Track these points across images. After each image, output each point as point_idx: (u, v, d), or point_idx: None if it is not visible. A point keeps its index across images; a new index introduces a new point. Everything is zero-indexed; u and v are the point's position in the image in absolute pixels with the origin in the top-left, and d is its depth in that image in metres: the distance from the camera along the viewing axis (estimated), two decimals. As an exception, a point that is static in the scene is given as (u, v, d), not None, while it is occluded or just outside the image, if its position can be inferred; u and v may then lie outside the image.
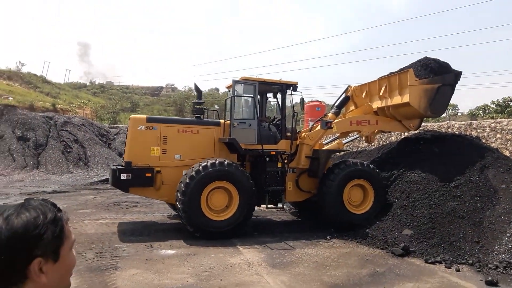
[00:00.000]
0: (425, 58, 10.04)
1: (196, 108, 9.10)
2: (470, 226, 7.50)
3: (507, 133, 10.15)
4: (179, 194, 7.71)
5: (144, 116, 8.74)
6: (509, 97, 27.27)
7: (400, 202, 8.69)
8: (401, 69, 10.12)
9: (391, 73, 10.25)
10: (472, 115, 30.70)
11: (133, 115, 8.95)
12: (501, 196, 8.02)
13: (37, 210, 1.09)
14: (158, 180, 8.19)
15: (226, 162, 7.99)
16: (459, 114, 41.50)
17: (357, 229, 8.56)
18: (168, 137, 8.44)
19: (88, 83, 68.25)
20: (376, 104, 10.46)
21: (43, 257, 1.06)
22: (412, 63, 10.11)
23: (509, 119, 10.62)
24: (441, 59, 10.07)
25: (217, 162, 7.91)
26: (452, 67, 10.06)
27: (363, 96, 10.72)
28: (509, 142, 10.02)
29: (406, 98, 9.47)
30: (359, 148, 15.03)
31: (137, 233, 8.15)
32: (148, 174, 8.03)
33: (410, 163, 9.64)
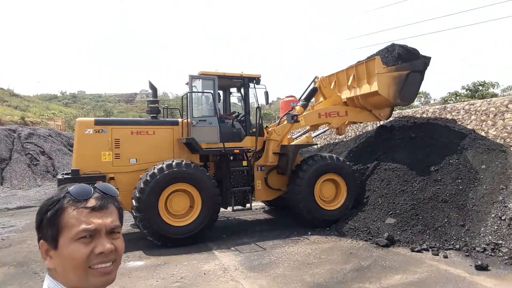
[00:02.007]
0: (392, 45, 9.71)
1: (151, 107, 8.39)
2: (454, 210, 7.40)
3: (481, 114, 9.95)
4: (134, 201, 7.06)
5: (92, 118, 8.03)
6: (478, 81, 27.69)
7: (380, 190, 8.48)
8: (368, 57, 9.74)
9: (359, 61, 9.87)
10: (445, 102, 30.92)
11: (79, 118, 8.20)
12: (481, 176, 7.93)
13: (53, 193, 1.10)
14: None
15: (184, 163, 7.37)
16: (431, 101, 41.82)
17: (338, 222, 8.31)
18: (120, 140, 7.72)
19: (59, 94, 66.28)
20: (345, 94, 10.09)
21: (45, 241, 1.06)
22: (379, 51, 9.78)
23: (482, 100, 10.42)
24: (409, 45, 9.75)
25: (174, 163, 7.29)
26: (420, 53, 9.75)
27: (331, 86, 10.30)
28: (484, 123, 9.82)
29: (374, 87, 9.13)
30: (336, 140, 14.63)
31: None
32: (99, 182, 7.29)
33: (387, 150, 9.49)
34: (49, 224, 1.04)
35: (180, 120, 8.37)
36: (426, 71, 9.85)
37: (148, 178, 7.01)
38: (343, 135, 12.00)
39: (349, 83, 9.85)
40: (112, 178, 7.50)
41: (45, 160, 19.11)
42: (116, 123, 7.98)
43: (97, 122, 7.69)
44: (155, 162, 7.50)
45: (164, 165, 7.18)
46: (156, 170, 7.09)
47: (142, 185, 6.98)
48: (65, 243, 1.02)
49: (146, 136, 7.92)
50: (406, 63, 9.30)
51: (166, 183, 7.16)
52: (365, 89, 9.41)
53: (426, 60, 9.70)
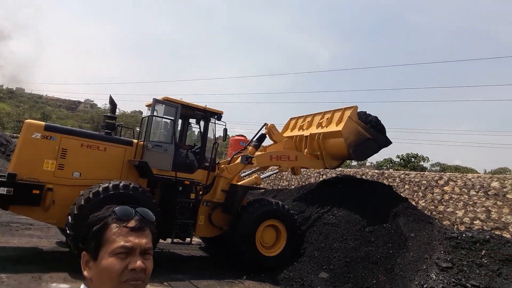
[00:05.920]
0: (369, 113, 10.53)
1: (107, 122, 8.11)
2: (382, 272, 7.72)
3: (414, 184, 10.84)
4: (70, 218, 6.58)
5: (43, 122, 7.52)
6: (411, 153, 30.32)
7: (317, 243, 8.66)
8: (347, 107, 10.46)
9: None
10: (379, 166, 33.20)
11: (28, 120, 7.65)
12: (410, 244, 8.44)
13: (100, 211, 1.23)
14: (48, 199, 6.95)
15: (131, 186, 7.07)
16: (367, 164, 44.60)
17: (274, 269, 8.29)
18: (68, 150, 7.30)
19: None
20: (311, 130, 10.61)
21: (87, 252, 1.16)
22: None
23: (416, 172, 11.42)
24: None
25: (121, 184, 6.98)
26: (386, 133, 10.66)
27: (298, 126, 10.96)
28: (415, 193, 10.70)
29: (339, 127, 9.74)
30: (279, 187, 15.00)
31: (25, 261, 6.87)
32: (36, 191, 6.77)
33: (328, 205, 9.79)
34: (93, 237, 1.15)
35: (135, 141, 8.15)
36: (382, 149, 10.67)
37: (90, 196, 6.61)
38: (295, 175, 12.42)
39: (320, 121, 10.49)
40: (50, 189, 6.99)
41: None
42: (67, 132, 7.55)
43: (47, 128, 7.23)
44: (100, 180, 7.12)
45: (111, 185, 6.84)
46: (100, 189, 6.72)
47: (82, 202, 6.55)
48: (104, 256, 1.13)
49: (96, 151, 7.55)
50: (373, 130, 10.12)
51: (109, 204, 6.75)
52: (331, 127, 10.04)
53: (387, 141, 10.62)
